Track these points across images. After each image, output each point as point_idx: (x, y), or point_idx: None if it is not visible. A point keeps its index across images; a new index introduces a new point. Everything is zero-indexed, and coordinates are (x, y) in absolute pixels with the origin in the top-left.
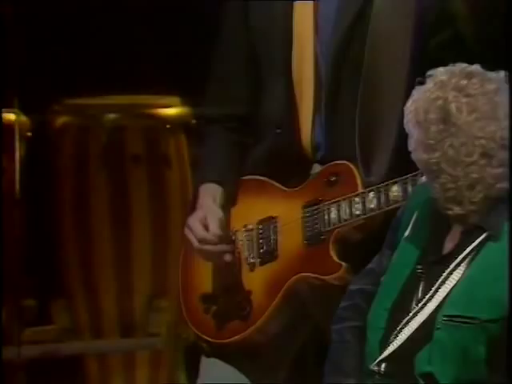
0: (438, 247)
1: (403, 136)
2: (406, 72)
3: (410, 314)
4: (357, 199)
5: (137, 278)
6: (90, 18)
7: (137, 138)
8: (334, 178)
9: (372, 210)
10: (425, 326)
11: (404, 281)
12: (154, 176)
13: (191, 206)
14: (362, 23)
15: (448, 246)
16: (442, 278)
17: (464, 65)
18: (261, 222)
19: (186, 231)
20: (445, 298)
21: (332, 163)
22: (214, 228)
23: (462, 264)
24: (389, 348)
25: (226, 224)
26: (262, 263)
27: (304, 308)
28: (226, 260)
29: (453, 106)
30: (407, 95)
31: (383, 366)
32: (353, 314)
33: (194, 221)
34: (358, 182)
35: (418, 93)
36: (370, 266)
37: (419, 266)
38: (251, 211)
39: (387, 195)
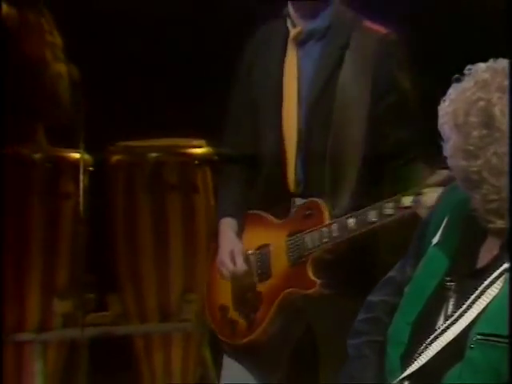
0: (471, 259)
1: (364, 176)
2: (363, 124)
3: (438, 330)
4: (324, 229)
5: (173, 277)
6: (140, 76)
7: (173, 171)
8: (308, 212)
9: (335, 237)
10: (455, 343)
11: (430, 293)
12: (185, 200)
13: (215, 234)
14: (330, 88)
15: (483, 258)
16: (477, 293)
17: (504, 61)
18: (258, 248)
19: (219, 264)
20: (479, 315)
21: (308, 200)
22: (240, 263)
23: (500, 279)
24: (413, 365)
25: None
26: (260, 281)
27: (298, 312)
28: (243, 281)
29: (497, 109)
30: (364, 145)
31: (406, 383)
32: (372, 328)
33: (225, 257)
34: (325, 215)
35: (455, 92)
36: (390, 274)
37: (448, 278)
38: (252, 239)
39: (346, 226)
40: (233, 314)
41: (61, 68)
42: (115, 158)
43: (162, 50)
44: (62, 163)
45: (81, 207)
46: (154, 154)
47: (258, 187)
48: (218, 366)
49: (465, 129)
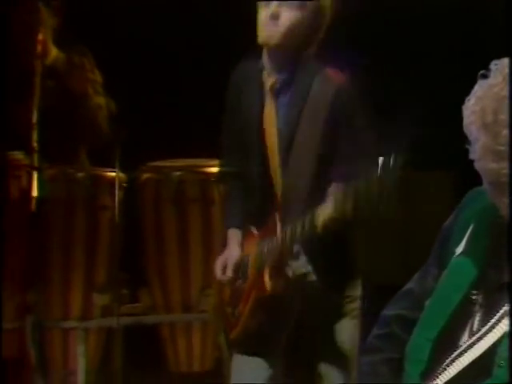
0: (499, 270)
1: (312, 193)
2: (317, 153)
3: (463, 347)
4: (274, 239)
5: (193, 275)
6: (165, 107)
7: (194, 187)
8: (271, 224)
9: (279, 247)
10: (482, 361)
11: (454, 307)
12: (204, 211)
13: (223, 243)
14: (294, 131)
15: None
16: (506, 307)
17: None
18: (243, 257)
19: (215, 265)
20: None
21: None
22: (229, 272)
23: None
24: (434, 383)
25: (239, 263)
26: (243, 284)
27: (285, 303)
28: (231, 285)
29: None
30: (318, 167)
31: None
32: (388, 344)
33: (219, 262)
34: (278, 228)
35: (482, 89)
36: (408, 286)
37: (474, 291)
38: (243, 249)
39: (293, 238)
40: (231, 312)
41: (100, 101)
42: (145, 176)
43: (188, 84)
44: (100, 180)
45: (116, 217)
46: (177, 173)
47: (252, 202)
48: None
49: (494, 128)
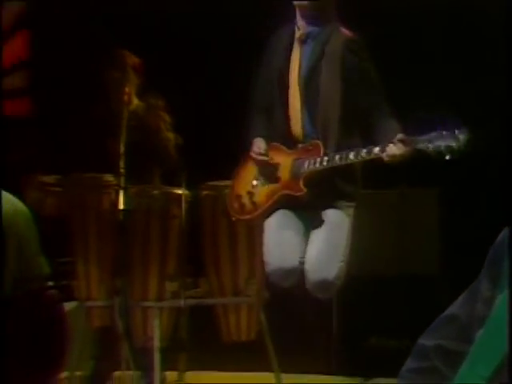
0: None
1: (345, 130)
2: (339, 94)
3: None
4: (318, 159)
5: (241, 267)
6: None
7: None
8: (310, 148)
9: (324, 166)
10: None
11: None
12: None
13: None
14: (317, 71)
15: None
16: None
17: None
18: (274, 162)
19: (252, 151)
20: None
21: (311, 141)
22: (263, 151)
23: None
24: None
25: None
26: (270, 183)
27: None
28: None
29: None
30: (342, 108)
31: None
32: (428, 381)
33: (255, 147)
34: (321, 151)
35: None
36: (451, 311)
37: None
38: (271, 157)
39: (333, 160)
40: (245, 198)
41: (170, 135)
42: (204, 192)
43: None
44: (171, 196)
45: (183, 224)
46: (228, 190)
47: (274, 132)
48: (270, 326)
49: None
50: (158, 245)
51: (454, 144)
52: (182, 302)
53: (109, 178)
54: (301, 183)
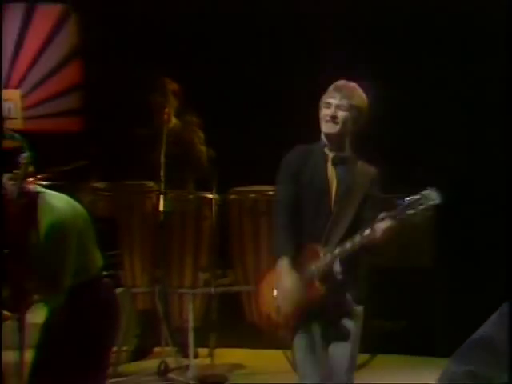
0: None
1: (352, 228)
2: (358, 202)
3: None
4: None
5: (262, 261)
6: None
7: (264, 204)
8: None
9: (329, 261)
10: None
11: None
12: (270, 220)
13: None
14: (349, 192)
15: None
16: None
17: None
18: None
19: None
20: None
21: (308, 246)
22: (282, 314)
23: None
24: None
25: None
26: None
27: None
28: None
29: None
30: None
31: None
32: None
33: (275, 302)
34: (319, 253)
35: None
36: (482, 332)
37: None
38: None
39: (333, 254)
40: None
41: (203, 148)
42: (232, 197)
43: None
44: (203, 200)
45: (213, 224)
46: (252, 195)
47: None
48: None
49: None
50: (192, 241)
51: (427, 203)
52: (212, 290)
53: (151, 184)
54: (317, 283)
